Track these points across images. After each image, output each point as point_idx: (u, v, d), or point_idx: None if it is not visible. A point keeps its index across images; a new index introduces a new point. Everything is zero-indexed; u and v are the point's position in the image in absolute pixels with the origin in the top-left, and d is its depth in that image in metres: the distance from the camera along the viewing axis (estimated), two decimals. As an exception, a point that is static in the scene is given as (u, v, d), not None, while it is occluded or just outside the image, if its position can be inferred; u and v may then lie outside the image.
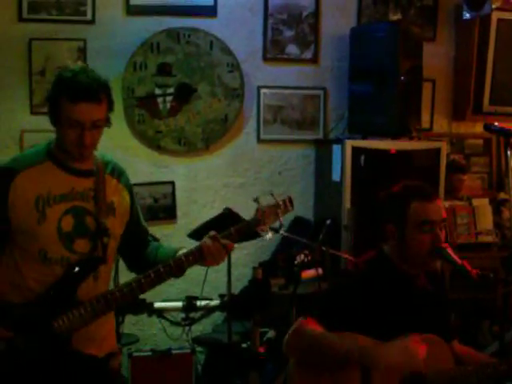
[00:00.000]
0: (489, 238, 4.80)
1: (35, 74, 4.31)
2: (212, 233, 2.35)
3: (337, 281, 2.72)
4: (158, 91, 4.45)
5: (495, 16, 4.80)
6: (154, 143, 4.53)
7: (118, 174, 2.44)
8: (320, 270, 3.50)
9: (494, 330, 4.50)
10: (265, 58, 4.73)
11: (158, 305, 3.81)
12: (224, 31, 4.59)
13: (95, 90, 2.20)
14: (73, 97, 2.18)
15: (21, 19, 4.29)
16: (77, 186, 2.31)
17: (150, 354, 4.09)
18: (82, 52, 4.36)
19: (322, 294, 2.81)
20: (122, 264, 2.72)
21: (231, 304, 3.72)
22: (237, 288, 4.19)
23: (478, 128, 5.07)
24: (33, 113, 4.32)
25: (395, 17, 4.92)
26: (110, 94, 2.29)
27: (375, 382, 2.24)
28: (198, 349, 4.21)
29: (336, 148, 4.47)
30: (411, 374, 2.25)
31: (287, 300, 3.49)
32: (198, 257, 2.32)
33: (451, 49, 5.09)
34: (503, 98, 4.94)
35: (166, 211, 4.59)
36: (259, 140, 4.75)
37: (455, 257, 2.34)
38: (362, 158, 4.39)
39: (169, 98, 4.46)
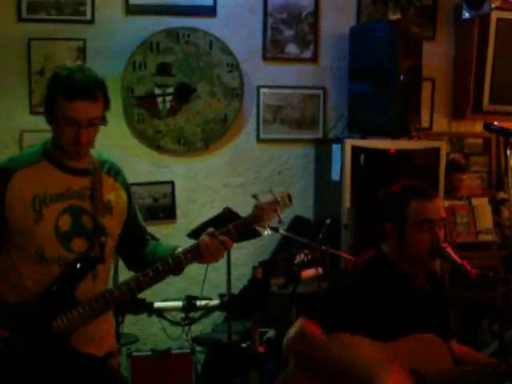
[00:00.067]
0: (488, 238, 4.80)
1: (34, 74, 4.31)
2: (210, 230, 2.34)
3: (336, 281, 2.73)
4: (157, 91, 4.44)
5: (495, 15, 4.79)
6: (153, 143, 4.53)
7: (115, 173, 2.43)
8: (320, 270, 3.50)
9: (494, 329, 4.50)
10: (264, 58, 4.72)
11: (157, 304, 3.80)
12: (223, 31, 4.58)
13: (91, 88, 2.20)
14: (69, 95, 2.17)
15: (20, 19, 4.29)
16: (73, 184, 2.31)
17: (149, 353, 4.10)
18: (82, 52, 4.36)
19: (322, 294, 2.80)
20: (121, 263, 2.72)
21: (231, 303, 3.71)
22: (236, 287, 4.18)
23: (478, 127, 5.07)
24: (32, 113, 4.31)
25: (395, 16, 4.92)
26: (107, 92, 2.29)
27: None
28: (198, 348, 4.21)
29: (336, 147, 4.47)
30: (411, 372, 2.25)
31: (287, 299, 3.49)
32: (196, 254, 2.32)
33: (451, 48, 5.08)
34: (503, 97, 4.93)
35: (166, 211, 4.59)
36: (259, 140, 4.75)
37: (455, 256, 2.34)
38: (362, 157, 4.38)
39: (168, 98, 4.46)
